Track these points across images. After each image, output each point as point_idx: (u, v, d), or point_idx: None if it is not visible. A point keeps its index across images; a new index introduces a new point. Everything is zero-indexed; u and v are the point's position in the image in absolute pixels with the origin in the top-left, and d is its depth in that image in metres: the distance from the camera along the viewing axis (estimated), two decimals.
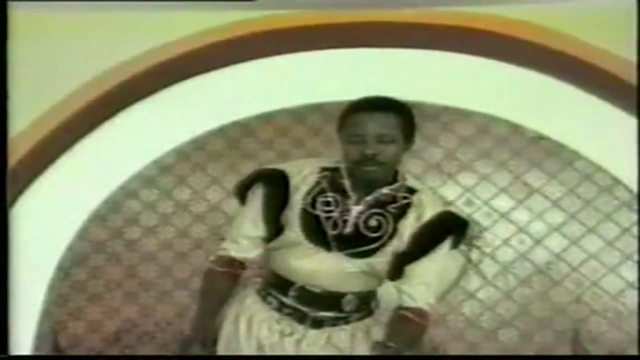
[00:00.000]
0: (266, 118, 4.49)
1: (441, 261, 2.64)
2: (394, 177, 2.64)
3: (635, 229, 4.32)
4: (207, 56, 4.23)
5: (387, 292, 2.73)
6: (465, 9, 4.07)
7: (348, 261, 2.62)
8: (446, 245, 2.64)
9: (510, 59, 4.24)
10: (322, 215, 2.61)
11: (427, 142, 4.45)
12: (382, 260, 2.63)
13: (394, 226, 2.61)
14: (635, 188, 4.23)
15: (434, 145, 4.47)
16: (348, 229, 2.60)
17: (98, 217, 4.50)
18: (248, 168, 4.40)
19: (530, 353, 4.37)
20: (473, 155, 4.46)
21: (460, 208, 4.39)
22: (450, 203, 4.37)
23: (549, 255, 4.40)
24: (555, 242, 4.40)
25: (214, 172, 4.53)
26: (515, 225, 4.42)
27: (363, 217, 2.60)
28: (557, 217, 4.40)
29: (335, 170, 2.66)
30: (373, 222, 2.61)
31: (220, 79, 4.36)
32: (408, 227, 2.62)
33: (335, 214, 2.60)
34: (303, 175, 2.67)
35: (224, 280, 2.76)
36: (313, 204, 2.63)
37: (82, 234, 4.48)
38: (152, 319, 4.52)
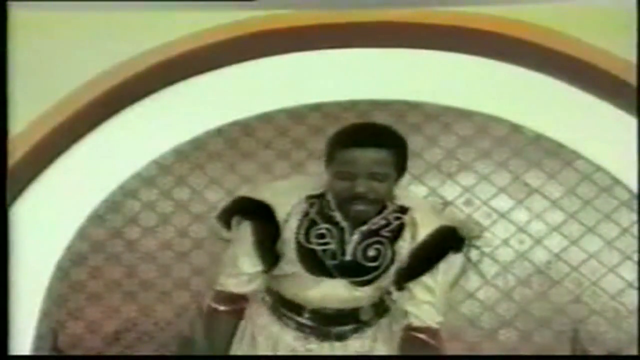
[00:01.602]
0: (266, 118, 4.49)
1: (442, 277, 2.56)
2: (383, 204, 2.56)
3: (634, 229, 4.32)
4: (207, 56, 4.22)
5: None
6: (465, 9, 4.06)
7: (355, 289, 2.58)
8: (446, 266, 2.56)
9: (510, 59, 4.24)
10: (319, 248, 2.54)
11: (427, 142, 4.45)
12: (387, 281, 2.59)
13: (392, 250, 2.55)
14: (634, 188, 4.23)
15: (434, 145, 4.47)
16: (347, 258, 2.55)
17: (97, 217, 4.50)
18: (247, 168, 4.47)
19: (530, 353, 4.37)
20: (473, 155, 4.47)
21: (460, 208, 4.40)
22: (448, 203, 4.38)
23: (549, 255, 4.41)
24: (555, 242, 4.40)
25: (213, 172, 4.53)
26: (515, 225, 4.43)
27: (360, 248, 2.54)
28: (556, 217, 4.41)
29: (321, 197, 2.57)
30: (371, 252, 2.55)
31: (220, 79, 4.36)
32: (405, 247, 2.55)
33: (331, 246, 2.54)
34: (289, 208, 2.56)
35: (229, 319, 2.68)
36: (307, 237, 2.55)
37: (82, 234, 4.48)
38: (152, 319, 4.51)
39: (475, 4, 4.03)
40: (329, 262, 2.55)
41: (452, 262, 2.56)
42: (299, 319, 2.65)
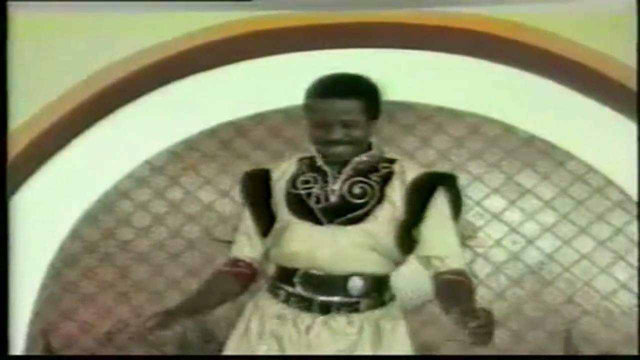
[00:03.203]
0: (259, 118, 4.49)
1: (447, 220, 2.67)
2: (368, 147, 2.69)
3: (627, 229, 4.34)
4: (202, 56, 4.22)
5: (412, 273, 2.71)
6: (461, 9, 4.08)
7: (341, 230, 2.62)
8: (440, 199, 2.66)
9: (503, 60, 4.26)
10: (304, 192, 2.66)
11: (419, 143, 4.46)
12: (380, 229, 2.63)
13: (380, 192, 2.65)
14: (627, 189, 4.25)
15: (427, 146, 4.48)
16: (332, 200, 2.64)
17: (90, 218, 4.49)
18: (240, 169, 4.44)
19: (523, 353, 4.37)
20: (465, 156, 4.47)
21: None
22: None
23: (541, 255, 4.42)
24: (548, 243, 4.42)
25: (206, 173, 4.53)
26: (508, 225, 4.44)
27: (346, 185, 2.65)
28: (549, 217, 4.42)
29: (311, 157, 2.71)
30: (357, 190, 2.65)
31: (213, 79, 4.36)
32: (396, 190, 2.65)
33: (316, 190, 2.66)
34: (283, 168, 2.74)
35: (227, 278, 2.77)
36: (294, 185, 2.68)
37: (75, 234, 4.47)
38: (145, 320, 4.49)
39: (471, 4, 4.05)
40: (315, 207, 2.64)
41: (442, 197, 2.67)
42: (290, 288, 2.68)
